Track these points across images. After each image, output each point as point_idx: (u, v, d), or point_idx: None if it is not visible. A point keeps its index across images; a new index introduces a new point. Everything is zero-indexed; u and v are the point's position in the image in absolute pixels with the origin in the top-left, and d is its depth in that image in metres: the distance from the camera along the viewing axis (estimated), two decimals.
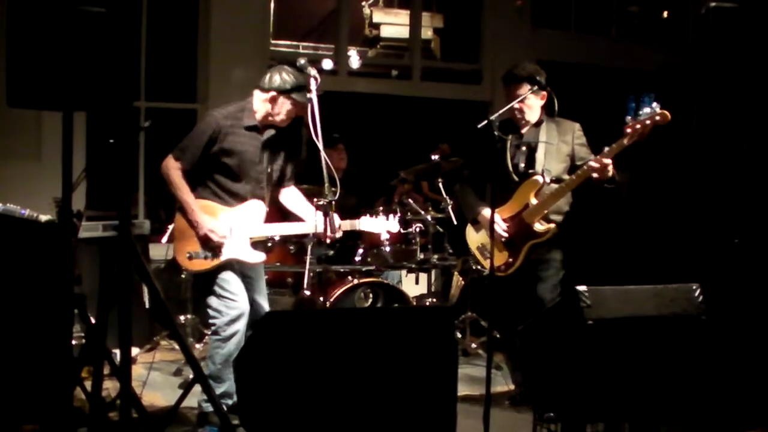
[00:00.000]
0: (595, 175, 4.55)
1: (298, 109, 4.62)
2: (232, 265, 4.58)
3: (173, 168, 4.53)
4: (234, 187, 4.59)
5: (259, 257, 4.67)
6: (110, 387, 4.42)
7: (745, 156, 6.03)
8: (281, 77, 4.57)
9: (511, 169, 4.86)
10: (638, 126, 4.43)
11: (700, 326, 3.83)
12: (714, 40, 4.91)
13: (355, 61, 8.41)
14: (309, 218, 4.73)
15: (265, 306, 4.82)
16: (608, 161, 4.52)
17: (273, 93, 4.58)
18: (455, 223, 6.23)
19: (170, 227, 6.00)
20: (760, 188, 6.25)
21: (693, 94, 4.99)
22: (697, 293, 3.90)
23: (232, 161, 4.55)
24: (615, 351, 3.66)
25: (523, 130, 4.92)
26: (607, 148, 4.53)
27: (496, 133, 4.30)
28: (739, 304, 5.37)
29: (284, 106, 4.60)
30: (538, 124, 4.90)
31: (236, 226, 4.58)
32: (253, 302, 4.67)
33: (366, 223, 4.93)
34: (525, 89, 4.75)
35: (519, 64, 4.93)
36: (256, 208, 4.64)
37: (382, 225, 4.99)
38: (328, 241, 4.62)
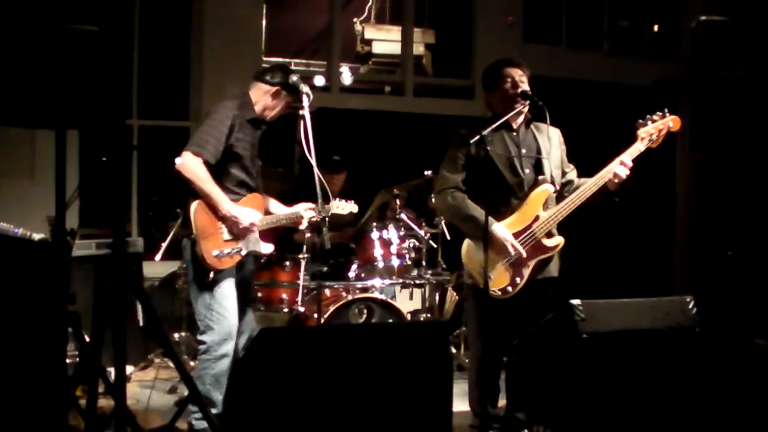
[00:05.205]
0: (616, 181, 4.35)
1: (287, 107, 4.73)
2: (234, 275, 4.57)
3: (197, 163, 4.41)
4: (245, 179, 4.62)
5: (269, 248, 4.76)
6: (105, 405, 4.40)
7: (738, 168, 6.06)
8: (285, 74, 4.66)
9: (523, 176, 4.46)
10: (653, 131, 4.40)
11: (695, 339, 3.84)
12: (705, 54, 4.92)
13: (347, 77, 8.43)
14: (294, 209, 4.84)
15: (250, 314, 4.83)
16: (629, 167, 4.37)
17: (278, 87, 4.64)
18: (449, 238, 6.23)
19: (163, 245, 6.02)
20: (753, 201, 6.28)
21: (686, 107, 4.99)
22: (691, 306, 3.91)
23: (243, 152, 4.57)
24: (610, 364, 3.66)
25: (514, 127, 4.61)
26: (625, 154, 4.37)
27: (489, 148, 4.28)
28: (733, 316, 5.38)
29: (283, 101, 4.68)
30: (527, 125, 4.59)
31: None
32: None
33: (337, 207, 4.97)
34: (519, 104, 4.51)
35: None
36: (257, 199, 4.69)
37: (348, 206, 5.03)
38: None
